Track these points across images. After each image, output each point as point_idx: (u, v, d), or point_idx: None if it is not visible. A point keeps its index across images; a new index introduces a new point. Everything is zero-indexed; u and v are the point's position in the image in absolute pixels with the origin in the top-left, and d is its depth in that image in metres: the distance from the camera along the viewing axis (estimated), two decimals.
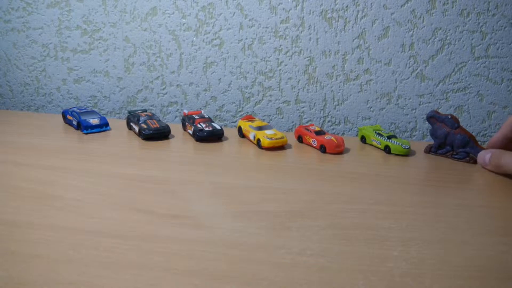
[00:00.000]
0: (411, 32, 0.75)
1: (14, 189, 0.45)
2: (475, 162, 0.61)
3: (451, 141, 0.62)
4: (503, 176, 0.56)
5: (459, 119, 0.78)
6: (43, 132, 0.69)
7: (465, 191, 0.51)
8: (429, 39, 0.75)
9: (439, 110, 0.78)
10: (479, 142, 0.78)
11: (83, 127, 0.69)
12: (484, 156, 0.57)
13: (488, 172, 0.58)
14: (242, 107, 0.84)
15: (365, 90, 0.79)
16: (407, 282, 0.30)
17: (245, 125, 0.68)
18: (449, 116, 0.63)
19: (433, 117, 0.64)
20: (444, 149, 0.64)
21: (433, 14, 0.73)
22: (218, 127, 0.67)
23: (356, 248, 0.36)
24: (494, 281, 0.33)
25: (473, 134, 0.78)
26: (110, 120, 0.76)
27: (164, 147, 0.63)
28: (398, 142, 0.64)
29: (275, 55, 0.80)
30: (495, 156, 0.56)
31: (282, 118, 0.83)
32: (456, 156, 0.62)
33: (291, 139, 0.69)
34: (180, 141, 0.66)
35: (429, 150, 0.66)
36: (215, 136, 0.67)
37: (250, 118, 0.71)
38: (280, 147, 0.65)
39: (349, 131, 0.82)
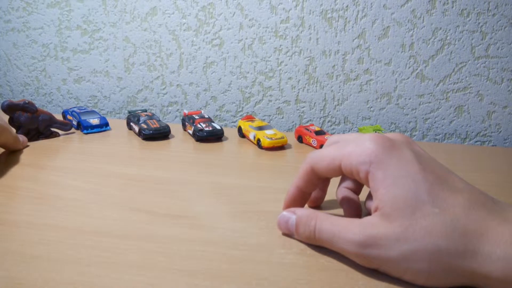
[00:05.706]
0: (411, 32, 0.75)
1: (14, 189, 0.45)
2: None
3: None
4: (501, 176, 0.56)
5: (459, 119, 0.78)
6: None
7: None
8: (429, 39, 0.75)
9: (439, 110, 0.78)
10: (479, 143, 0.78)
11: (83, 127, 0.69)
12: (287, 220, 0.36)
13: (491, 171, 0.57)
14: (242, 107, 0.84)
15: (365, 90, 0.79)
16: (407, 282, 0.30)
17: (245, 125, 0.68)
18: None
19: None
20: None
21: (433, 14, 0.73)
22: (218, 127, 0.67)
23: None
24: None
25: (473, 134, 0.78)
26: (110, 120, 0.76)
27: (164, 147, 0.63)
28: None
29: (275, 55, 0.80)
30: (304, 223, 0.35)
31: (282, 118, 0.83)
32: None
33: (291, 139, 0.69)
34: (180, 141, 0.66)
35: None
36: (215, 136, 0.67)
37: (250, 118, 0.71)
38: (280, 147, 0.65)
39: (349, 131, 0.82)
